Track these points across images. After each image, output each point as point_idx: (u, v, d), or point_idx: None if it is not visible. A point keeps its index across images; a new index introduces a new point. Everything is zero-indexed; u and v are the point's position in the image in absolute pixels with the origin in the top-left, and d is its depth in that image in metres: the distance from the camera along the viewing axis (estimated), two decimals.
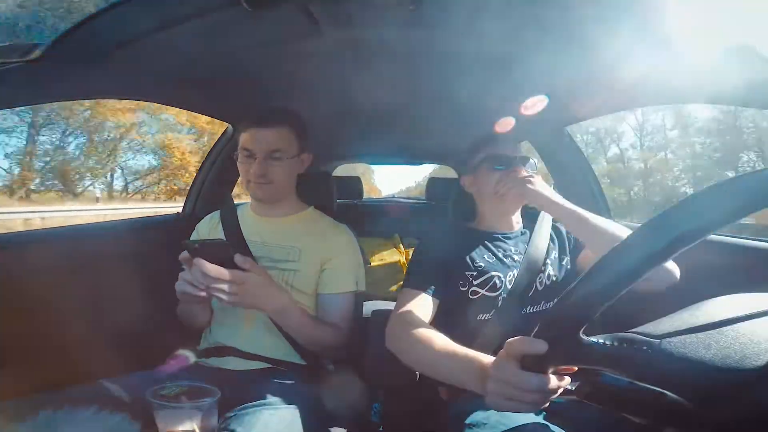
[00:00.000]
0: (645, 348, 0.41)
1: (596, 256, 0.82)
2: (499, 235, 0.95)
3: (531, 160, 0.94)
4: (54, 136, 21.39)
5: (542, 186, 0.87)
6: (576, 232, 0.87)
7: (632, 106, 1.16)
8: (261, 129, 0.93)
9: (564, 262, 0.93)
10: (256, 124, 0.93)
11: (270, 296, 0.83)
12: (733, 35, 0.61)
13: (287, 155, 0.94)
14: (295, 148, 0.96)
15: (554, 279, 0.90)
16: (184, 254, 0.78)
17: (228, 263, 0.77)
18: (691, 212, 0.37)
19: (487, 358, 0.58)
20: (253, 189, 0.96)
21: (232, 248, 0.79)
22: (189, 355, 0.95)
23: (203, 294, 0.77)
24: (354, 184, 2.15)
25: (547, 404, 0.50)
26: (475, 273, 0.88)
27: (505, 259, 0.90)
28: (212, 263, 0.75)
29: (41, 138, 21.10)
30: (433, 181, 2.21)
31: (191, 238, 1.05)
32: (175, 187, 22.79)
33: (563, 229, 0.98)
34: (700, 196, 0.38)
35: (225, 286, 0.75)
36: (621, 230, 0.78)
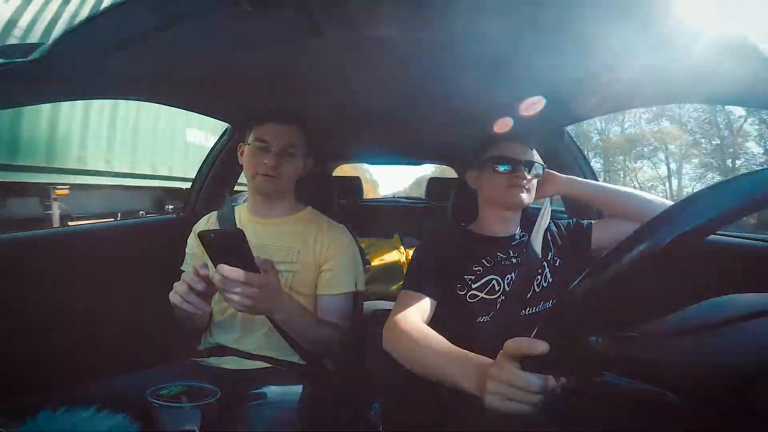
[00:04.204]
0: (645, 348, 0.42)
1: (618, 223, 0.95)
2: (498, 239, 0.95)
3: (536, 163, 0.94)
4: None
5: (549, 182, 0.99)
6: (594, 201, 1.03)
7: (632, 105, 1.16)
8: (280, 124, 0.97)
9: (558, 264, 0.94)
10: (275, 119, 0.97)
11: (281, 301, 0.80)
12: (732, 35, 0.61)
13: (298, 153, 0.98)
14: (305, 147, 1.00)
15: (551, 281, 0.91)
16: (197, 267, 0.75)
17: (242, 255, 0.70)
18: (692, 211, 0.37)
19: (484, 360, 0.58)
20: (260, 181, 0.95)
21: (244, 236, 0.70)
22: (202, 348, 0.96)
23: (200, 312, 0.75)
24: (354, 184, 2.16)
25: (547, 404, 0.50)
26: (473, 277, 0.88)
27: (503, 263, 0.91)
28: (227, 254, 0.70)
29: None
30: (433, 181, 2.22)
31: (190, 240, 1.05)
32: None
33: (557, 231, 0.99)
34: (701, 196, 0.38)
35: (243, 290, 0.70)
36: (637, 192, 0.94)
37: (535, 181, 0.95)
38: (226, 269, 0.69)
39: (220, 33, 0.75)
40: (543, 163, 0.97)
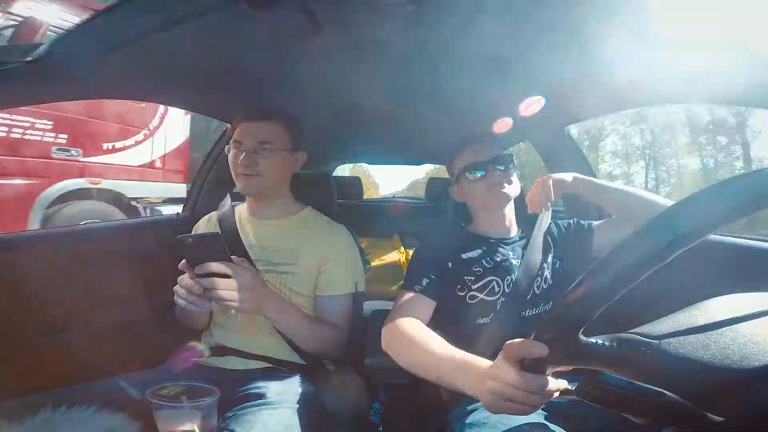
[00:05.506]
0: (644, 349, 0.41)
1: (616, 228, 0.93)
2: (497, 240, 0.95)
3: (505, 155, 0.94)
4: None
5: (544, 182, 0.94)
6: (592, 196, 0.99)
7: (632, 105, 1.16)
8: (251, 122, 0.95)
9: (558, 266, 0.93)
10: (248, 117, 0.96)
11: (269, 300, 0.83)
12: (732, 35, 0.61)
13: (277, 148, 0.94)
14: (286, 142, 0.96)
15: (551, 282, 0.91)
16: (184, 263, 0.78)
17: (218, 256, 0.76)
18: (691, 212, 0.37)
19: (484, 362, 0.58)
20: (241, 181, 0.95)
21: (222, 239, 0.77)
22: (202, 348, 0.96)
23: (203, 311, 0.78)
24: (354, 184, 2.16)
25: (547, 404, 0.50)
26: (473, 278, 0.88)
27: (503, 264, 0.91)
28: (204, 258, 0.75)
29: None
30: (432, 181, 2.21)
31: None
32: None
33: (557, 232, 0.98)
34: (699, 196, 0.38)
35: (232, 293, 0.75)
36: (640, 192, 0.91)
37: (511, 172, 0.95)
38: (207, 266, 0.74)
39: (220, 33, 0.75)
40: (508, 153, 0.97)
